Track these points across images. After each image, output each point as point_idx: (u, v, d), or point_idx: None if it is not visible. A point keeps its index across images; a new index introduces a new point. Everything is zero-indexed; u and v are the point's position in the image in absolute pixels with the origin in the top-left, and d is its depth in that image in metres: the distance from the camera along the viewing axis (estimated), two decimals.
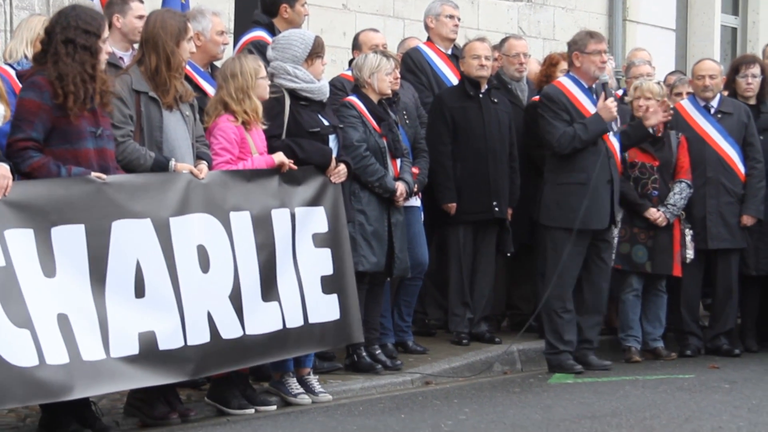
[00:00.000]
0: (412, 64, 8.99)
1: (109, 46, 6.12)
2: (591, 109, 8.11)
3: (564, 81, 8.19)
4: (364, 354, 7.59)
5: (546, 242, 8.13)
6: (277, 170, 6.65)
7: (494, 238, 8.73)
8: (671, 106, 8.61)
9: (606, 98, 8.13)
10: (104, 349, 5.66)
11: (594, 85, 8.20)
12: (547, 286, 8.03)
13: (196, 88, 6.86)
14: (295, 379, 6.87)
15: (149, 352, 5.82)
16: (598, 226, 8.23)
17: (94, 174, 5.75)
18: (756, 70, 9.26)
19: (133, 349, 5.76)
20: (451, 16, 9.11)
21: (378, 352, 7.70)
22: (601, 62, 8.15)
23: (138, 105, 6.14)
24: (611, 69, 9.36)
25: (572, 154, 8.00)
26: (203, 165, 6.30)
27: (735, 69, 9.36)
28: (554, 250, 8.01)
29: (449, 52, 9.15)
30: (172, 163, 6.15)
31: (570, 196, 7.99)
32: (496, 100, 8.71)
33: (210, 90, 6.96)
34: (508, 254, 8.94)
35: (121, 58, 6.65)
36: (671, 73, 10.38)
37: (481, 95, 8.64)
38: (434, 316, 9.11)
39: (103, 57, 5.89)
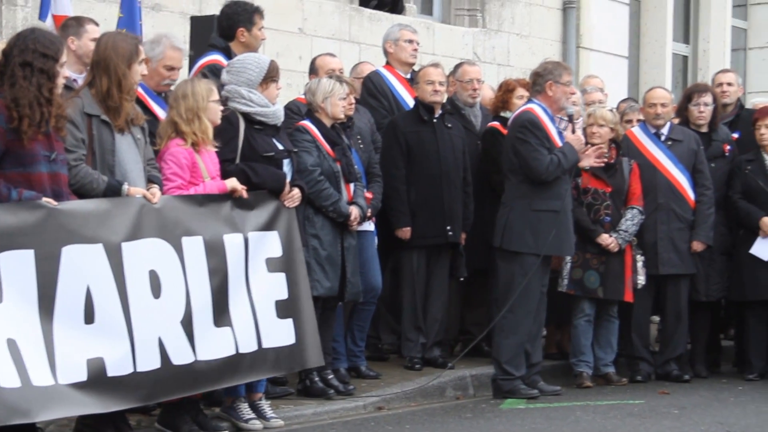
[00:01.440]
0: (373, 88, 9.01)
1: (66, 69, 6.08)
2: (557, 138, 8.18)
3: (535, 108, 8.20)
4: (316, 379, 7.57)
5: (513, 268, 8.09)
6: (230, 195, 6.63)
7: (447, 263, 8.76)
8: (606, 152, 8.66)
9: (573, 130, 8.23)
10: (52, 375, 5.60)
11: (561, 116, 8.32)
12: (507, 310, 8.02)
13: (147, 111, 6.82)
14: (246, 404, 6.83)
15: (97, 379, 5.75)
16: (569, 252, 8.41)
17: (45, 199, 5.71)
18: (708, 98, 9.38)
19: (81, 376, 5.70)
20: (410, 41, 9.16)
21: (330, 377, 7.68)
22: (571, 93, 8.27)
23: (90, 128, 6.09)
24: (579, 98, 9.46)
25: (548, 182, 8.04)
26: (156, 189, 6.27)
27: (688, 97, 9.48)
28: (522, 276, 8.01)
29: (408, 76, 9.19)
30: (125, 187, 6.12)
31: (544, 223, 8.02)
32: (449, 125, 8.76)
33: (161, 114, 6.92)
34: (462, 279, 8.97)
35: (74, 80, 6.61)
36: (623, 101, 10.49)
37: (435, 120, 8.68)
38: (387, 340, 9.11)
39: (61, 81, 5.84)
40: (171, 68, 7.04)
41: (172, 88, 6.96)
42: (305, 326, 6.89)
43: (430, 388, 8.12)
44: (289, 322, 6.80)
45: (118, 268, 5.91)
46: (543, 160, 8.01)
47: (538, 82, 8.25)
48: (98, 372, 5.77)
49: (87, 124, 6.09)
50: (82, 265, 5.78)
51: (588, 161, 8.34)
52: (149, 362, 6.01)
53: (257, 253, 6.68)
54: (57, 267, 5.68)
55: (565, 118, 8.54)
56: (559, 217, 8.06)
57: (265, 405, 6.93)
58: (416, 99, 8.77)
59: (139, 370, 5.95)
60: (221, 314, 6.44)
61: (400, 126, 8.68)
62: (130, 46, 6.24)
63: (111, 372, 5.82)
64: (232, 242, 6.54)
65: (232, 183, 6.64)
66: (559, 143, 8.15)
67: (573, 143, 8.15)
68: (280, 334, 6.76)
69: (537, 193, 8.08)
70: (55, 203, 5.73)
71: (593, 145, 8.74)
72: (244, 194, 6.66)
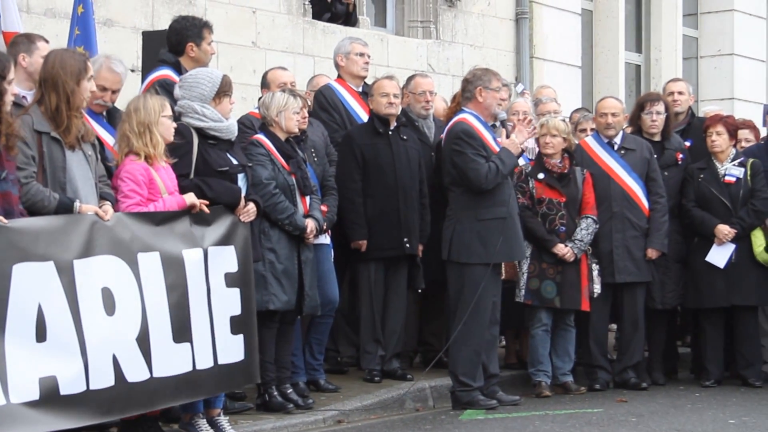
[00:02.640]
0: (324, 102, 9.01)
1: (14, 86, 6.02)
2: (494, 144, 8.18)
3: (468, 117, 8.20)
4: (275, 393, 7.54)
5: (461, 279, 8.10)
6: (187, 210, 6.58)
7: (405, 274, 8.76)
8: (534, 124, 8.52)
9: (507, 134, 8.23)
10: (4, 394, 5.53)
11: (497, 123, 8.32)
12: (461, 322, 8.01)
13: None
14: (205, 420, 6.79)
15: (50, 398, 5.69)
16: (520, 257, 8.44)
17: None
18: (660, 107, 9.45)
19: (34, 395, 5.63)
20: (361, 54, 9.17)
21: (290, 391, 7.66)
22: (501, 99, 8.26)
23: (40, 146, 6.04)
24: (531, 108, 9.47)
25: (491, 189, 8.04)
26: (108, 206, 6.22)
27: (640, 106, 9.54)
28: (473, 287, 8.00)
29: (360, 89, 9.19)
30: (77, 204, 6.06)
31: (491, 232, 8.02)
32: (405, 137, 8.77)
33: (103, 134, 6.86)
34: (419, 290, 8.97)
35: (24, 97, 6.54)
36: (576, 111, 10.57)
37: (390, 132, 8.70)
38: (346, 353, 9.10)
39: (9, 99, 5.78)
40: (103, 88, 6.94)
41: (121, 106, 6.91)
42: (253, 342, 6.88)
43: (389, 400, 8.12)
44: (240, 338, 6.78)
45: (70, 285, 5.85)
46: (481, 170, 8.00)
47: (468, 89, 8.24)
48: (51, 390, 5.71)
49: (37, 142, 6.04)
50: (33, 283, 5.72)
51: (521, 136, 8.21)
52: (103, 380, 5.95)
53: (216, 267, 6.65)
54: (8, 285, 5.61)
55: (512, 124, 8.55)
56: (506, 223, 8.06)
57: (224, 421, 6.89)
58: (371, 111, 8.77)
59: (92, 388, 5.88)
60: (181, 330, 6.40)
61: (355, 138, 8.68)
62: (78, 62, 6.21)
63: (64, 390, 5.76)
64: (191, 257, 6.50)
65: (191, 198, 6.60)
66: (497, 149, 8.15)
67: (509, 147, 8.14)
68: (233, 350, 6.73)
69: (481, 203, 8.07)
70: (5, 221, 5.67)
71: (546, 155, 8.81)
72: (204, 209, 6.63)
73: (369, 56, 9.29)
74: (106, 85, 6.98)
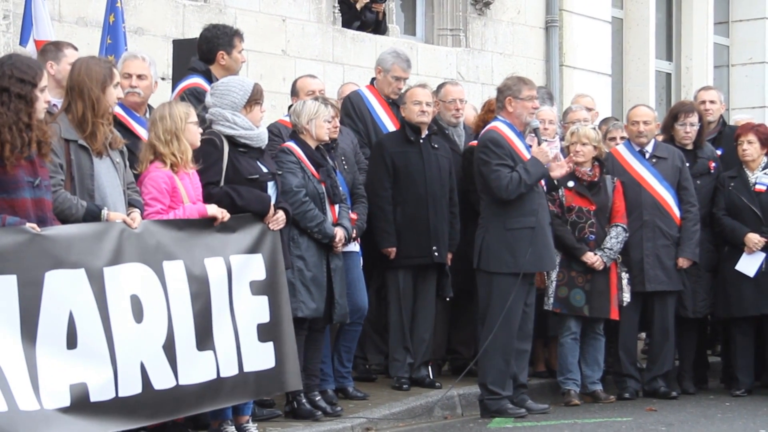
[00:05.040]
0: (351, 109, 9.02)
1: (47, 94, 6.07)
2: (525, 153, 8.18)
3: (499, 126, 8.21)
4: (303, 401, 7.55)
5: (489, 288, 8.09)
6: (211, 219, 6.61)
7: (434, 283, 8.76)
8: (572, 164, 8.57)
9: (539, 143, 8.21)
10: (37, 400, 5.58)
11: (525, 129, 8.30)
12: (491, 332, 7.99)
13: (131, 132, 6.80)
14: (233, 427, 6.81)
15: (80, 404, 5.73)
16: (550, 267, 8.41)
17: (29, 224, 5.68)
18: (694, 119, 9.41)
19: (65, 402, 5.67)
20: (398, 78, 9.11)
21: (318, 398, 7.67)
22: (533, 108, 8.25)
23: (68, 153, 6.08)
24: (556, 115, 9.44)
25: (519, 199, 8.02)
26: (136, 213, 6.26)
27: (674, 116, 9.50)
28: (501, 296, 7.99)
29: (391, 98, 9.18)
30: (105, 212, 6.10)
31: (520, 241, 8.00)
32: (436, 146, 8.77)
33: (144, 134, 6.91)
34: (448, 299, 8.97)
35: (54, 105, 6.59)
36: (603, 120, 10.51)
37: (421, 140, 8.70)
38: (375, 361, 9.11)
39: (40, 106, 5.82)
40: (127, 75, 6.96)
41: (152, 104, 6.93)
42: (285, 349, 6.88)
43: (417, 408, 8.12)
44: (270, 345, 6.79)
45: (101, 293, 5.89)
46: (503, 180, 7.98)
47: (499, 98, 8.26)
48: (81, 397, 5.75)
49: (65, 149, 6.08)
50: (64, 290, 5.76)
51: (559, 171, 8.28)
52: (131, 387, 5.99)
53: (241, 276, 6.67)
54: (40, 292, 5.65)
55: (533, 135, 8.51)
56: (535, 233, 8.04)
57: (252, 428, 6.91)
58: (403, 119, 8.78)
59: (120, 395, 5.92)
60: (204, 338, 6.42)
61: (386, 146, 8.70)
62: (103, 69, 6.25)
63: (94, 397, 5.80)
64: (214, 266, 6.52)
65: (213, 210, 6.61)
66: (528, 157, 8.13)
67: (538, 156, 8.11)
68: (261, 357, 6.75)
69: (510, 212, 8.05)
70: (38, 229, 5.71)
71: (577, 164, 8.79)
72: (226, 218, 6.64)
73: (406, 79, 9.22)
74: (129, 71, 7.00)
